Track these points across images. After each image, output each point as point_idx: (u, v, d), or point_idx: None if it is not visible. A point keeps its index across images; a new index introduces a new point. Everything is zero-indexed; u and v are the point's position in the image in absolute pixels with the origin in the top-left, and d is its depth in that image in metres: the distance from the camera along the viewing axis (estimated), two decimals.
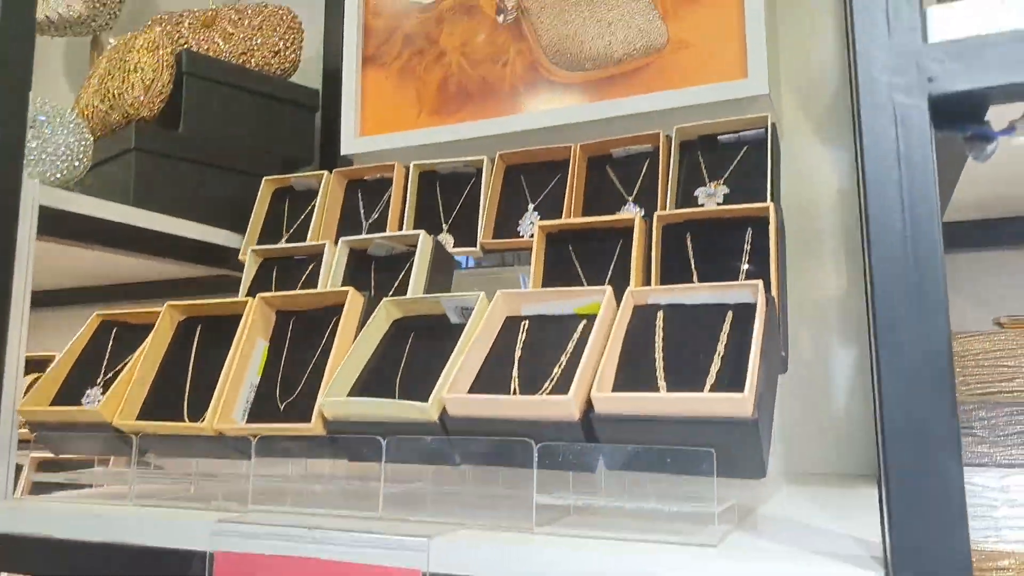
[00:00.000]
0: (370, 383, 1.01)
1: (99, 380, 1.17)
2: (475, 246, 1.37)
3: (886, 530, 0.66)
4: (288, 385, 1.07)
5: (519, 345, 0.99)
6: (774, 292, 0.97)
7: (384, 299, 1.08)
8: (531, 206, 1.40)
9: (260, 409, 1.06)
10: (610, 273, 1.13)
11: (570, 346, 0.95)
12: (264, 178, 1.59)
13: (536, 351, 0.98)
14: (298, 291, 1.14)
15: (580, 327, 0.98)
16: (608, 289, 0.96)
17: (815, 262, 1.47)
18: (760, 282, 0.90)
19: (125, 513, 0.99)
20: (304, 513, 0.95)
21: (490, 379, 0.94)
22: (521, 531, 0.83)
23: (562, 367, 0.93)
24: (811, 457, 1.41)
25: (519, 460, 0.86)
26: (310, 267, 1.34)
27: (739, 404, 0.75)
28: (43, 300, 2.14)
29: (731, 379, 0.81)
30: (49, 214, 1.27)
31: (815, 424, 1.41)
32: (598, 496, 0.85)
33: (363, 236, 1.30)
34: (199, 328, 1.18)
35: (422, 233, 1.24)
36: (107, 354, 1.20)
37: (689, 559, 0.72)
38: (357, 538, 0.85)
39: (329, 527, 0.87)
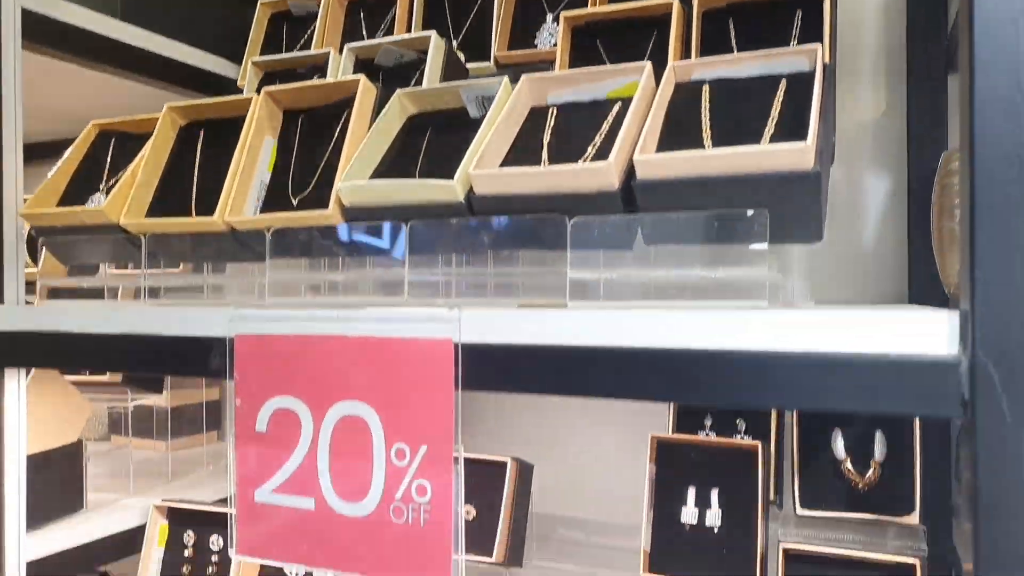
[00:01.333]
0: (388, 173, 0.94)
1: (101, 187, 1.11)
2: (488, 60, 1.27)
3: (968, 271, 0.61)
4: (300, 181, 1.01)
5: (547, 131, 0.92)
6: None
7: (397, 91, 1.00)
8: (549, 16, 1.29)
9: (272, 205, 1.00)
10: None
11: (604, 127, 0.88)
12: (260, 1, 1.47)
13: (566, 137, 0.90)
14: (304, 83, 1.05)
15: (615, 110, 0.90)
16: (647, 65, 0.88)
17: (853, 81, 1.37)
18: (817, 45, 0.81)
19: (140, 308, 0.95)
20: (324, 303, 0.91)
21: (517, 161, 0.87)
22: (554, 306, 0.78)
23: (596, 147, 0.86)
24: (840, 287, 1.37)
25: (552, 241, 0.81)
26: (314, 78, 1.25)
27: (800, 155, 0.68)
28: (39, 152, 2.06)
29: (787, 138, 0.74)
30: (33, 19, 1.18)
31: (845, 253, 1.36)
32: (637, 268, 0.80)
33: (370, 42, 1.20)
34: (202, 132, 1.11)
35: (433, 35, 1.14)
36: (107, 163, 1.14)
37: (745, 318, 0.67)
38: (384, 314, 0.81)
39: (353, 307, 0.83)
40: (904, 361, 0.62)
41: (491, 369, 0.77)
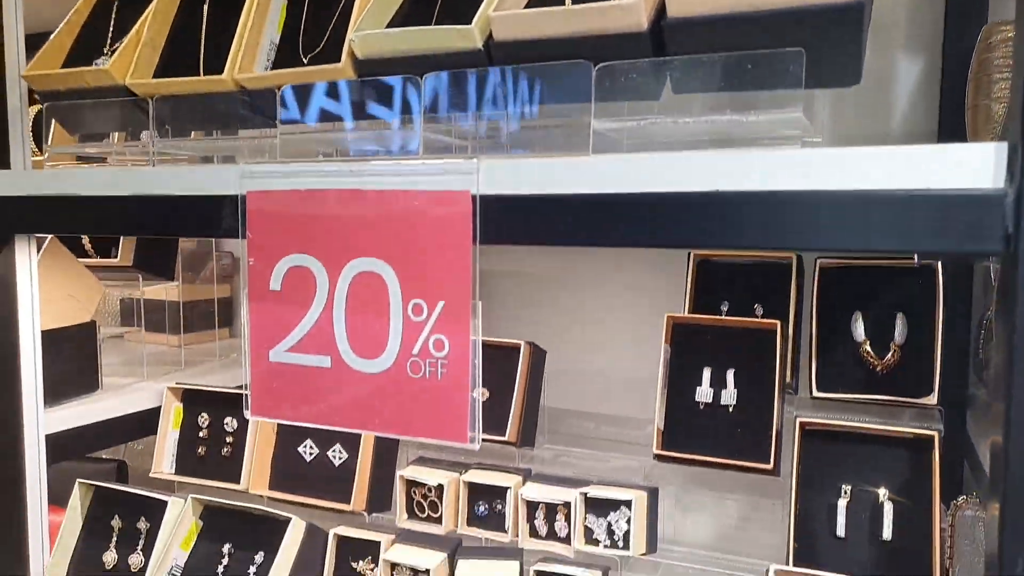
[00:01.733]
0: (403, 24, 0.90)
1: (106, 49, 1.07)
2: None
3: None
4: (311, 40, 0.97)
5: None
6: None
7: None
8: None
9: (283, 64, 0.96)
10: None
11: None
12: None
13: None
14: None
15: None
16: None
17: None
18: None
19: (149, 170, 0.93)
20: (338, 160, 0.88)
21: (538, 5, 0.83)
22: (576, 155, 0.75)
23: None
24: None
25: (574, 90, 0.78)
26: None
27: None
28: None
29: None
30: None
31: (876, 138, 1.31)
32: (664, 117, 0.77)
33: None
34: None
35: None
36: (111, 25, 1.09)
37: (778, 157, 0.64)
38: (400, 167, 0.78)
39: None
40: (947, 195, 0.59)
41: (511, 221, 0.75)
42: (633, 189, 0.69)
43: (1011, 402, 0.58)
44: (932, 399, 1.04)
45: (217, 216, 0.86)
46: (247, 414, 0.90)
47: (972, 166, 0.59)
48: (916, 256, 1.08)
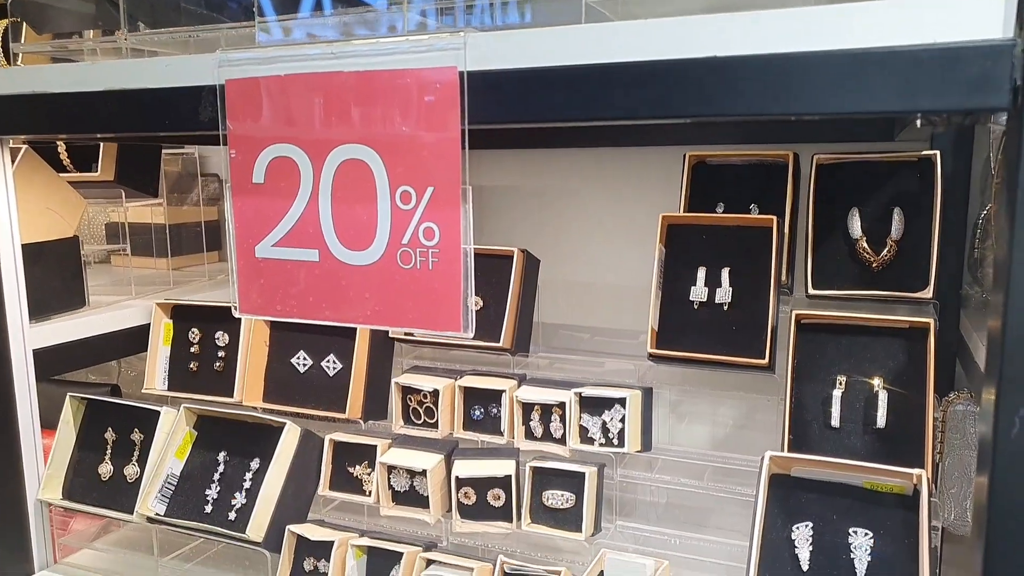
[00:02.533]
0: None
1: None
2: None
3: None
4: None
5: None
6: None
7: None
8: None
9: None
10: None
11: None
12: None
13: None
14: None
15: None
16: None
17: None
18: None
19: (122, 63, 0.89)
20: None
21: None
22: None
23: None
24: None
25: None
26: None
27: None
28: None
29: None
30: None
31: None
32: None
33: None
34: None
35: None
36: None
37: (773, 17, 0.61)
38: (383, 46, 0.75)
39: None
40: (951, 48, 0.57)
41: (502, 97, 0.72)
42: (628, 58, 0.66)
43: (1013, 248, 0.56)
44: (928, 293, 1.03)
45: (195, 108, 0.83)
46: (235, 312, 0.89)
47: (978, 15, 0.56)
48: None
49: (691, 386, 1.21)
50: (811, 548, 0.82)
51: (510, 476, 1.04)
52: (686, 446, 1.28)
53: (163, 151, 1.54)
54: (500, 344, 1.20)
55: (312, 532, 1.04)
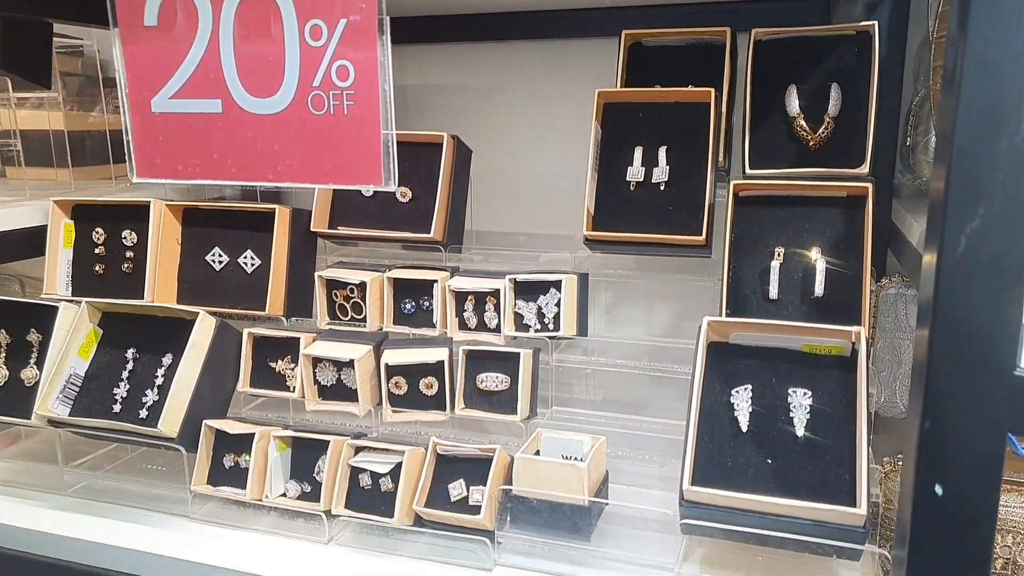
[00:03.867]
0: None
1: None
2: None
3: None
4: None
5: None
6: None
7: None
8: None
9: None
10: None
11: None
12: None
13: None
14: None
15: None
16: None
17: None
18: None
19: None
20: None
21: None
22: None
23: None
24: None
25: None
26: None
27: None
28: None
29: None
30: None
31: None
32: None
33: None
34: None
35: None
36: None
37: None
38: None
39: None
40: None
41: None
42: None
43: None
44: (864, 168, 1.01)
45: None
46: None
47: None
48: None
49: (629, 272, 1.18)
50: (750, 410, 0.80)
51: (443, 362, 1.00)
52: (624, 333, 1.25)
53: (55, 42, 1.40)
54: (431, 236, 1.14)
55: (231, 426, 0.98)
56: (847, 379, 0.81)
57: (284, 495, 0.96)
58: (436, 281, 1.09)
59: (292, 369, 1.07)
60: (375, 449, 0.92)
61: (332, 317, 1.16)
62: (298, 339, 1.05)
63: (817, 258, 0.94)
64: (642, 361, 1.05)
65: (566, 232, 1.32)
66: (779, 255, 0.96)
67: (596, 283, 1.28)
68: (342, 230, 1.20)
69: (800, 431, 0.78)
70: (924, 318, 0.61)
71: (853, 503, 0.71)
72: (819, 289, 0.92)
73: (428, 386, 1.01)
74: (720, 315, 0.95)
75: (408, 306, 1.13)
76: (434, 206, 1.15)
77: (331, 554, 0.90)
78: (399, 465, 0.89)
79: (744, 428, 0.79)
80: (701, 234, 1.01)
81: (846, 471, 0.75)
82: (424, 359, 1.00)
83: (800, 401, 0.79)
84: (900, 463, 1.07)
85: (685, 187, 1.05)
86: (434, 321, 1.10)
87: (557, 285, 1.05)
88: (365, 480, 0.92)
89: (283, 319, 1.15)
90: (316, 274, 1.14)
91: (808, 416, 0.78)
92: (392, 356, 1.01)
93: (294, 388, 1.06)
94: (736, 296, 0.97)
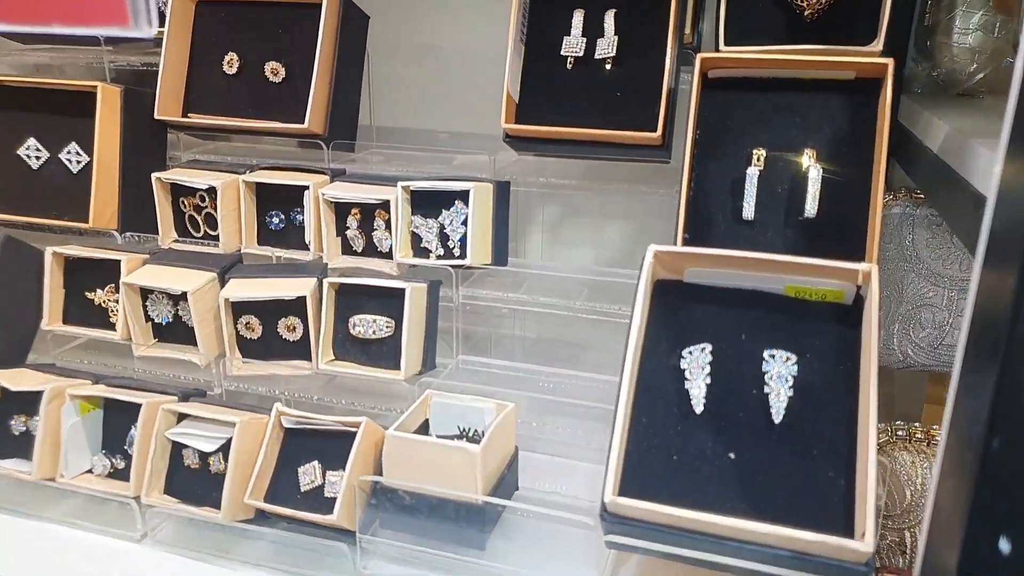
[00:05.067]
0: None
1: None
2: None
3: None
4: None
5: None
6: None
7: None
8: None
9: None
10: None
11: None
12: None
13: None
14: None
15: None
16: None
17: None
18: None
19: None
20: None
21: None
22: None
23: None
24: None
25: None
26: None
27: None
28: None
29: None
30: None
31: None
32: None
33: None
34: None
35: None
36: None
37: None
38: None
39: None
40: None
41: None
42: None
43: None
44: (877, 45, 0.75)
45: None
46: None
47: None
48: None
49: (570, 181, 0.92)
50: (708, 381, 0.56)
51: (305, 298, 0.75)
52: (566, 261, 1.00)
53: None
54: (304, 127, 0.87)
55: (17, 380, 0.73)
56: (847, 338, 0.57)
57: (91, 471, 0.72)
58: (307, 188, 0.83)
59: (115, 301, 0.81)
60: (201, 418, 0.68)
61: (181, 234, 0.89)
62: (118, 261, 0.79)
63: (809, 165, 0.69)
64: (579, 299, 0.81)
65: (493, 131, 1.05)
66: (758, 159, 0.70)
67: (531, 196, 1.02)
68: (194, 118, 0.92)
69: (778, 414, 0.54)
70: (996, 266, 0.36)
71: (850, 526, 0.49)
72: (811, 207, 0.67)
73: (290, 328, 0.77)
74: (675, 241, 0.71)
75: (275, 220, 0.86)
76: (310, 88, 0.87)
77: (144, 555, 0.67)
78: (230, 441, 0.65)
79: (699, 407, 0.55)
80: (656, 129, 0.75)
81: (841, 474, 0.52)
82: (278, 293, 0.75)
83: (779, 369, 0.55)
84: (898, 432, 0.86)
85: (638, 66, 0.78)
86: (308, 241, 0.84)
87: (464, 197, 0.79)
88: (191, 457, 0.68)
89: (116, 235, 0.88)
90: (153, 176, 0.86)
91: (791, 392, 0.54)
92: (236, 289, 0.75)
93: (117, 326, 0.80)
94: (699, 215, 0.71)
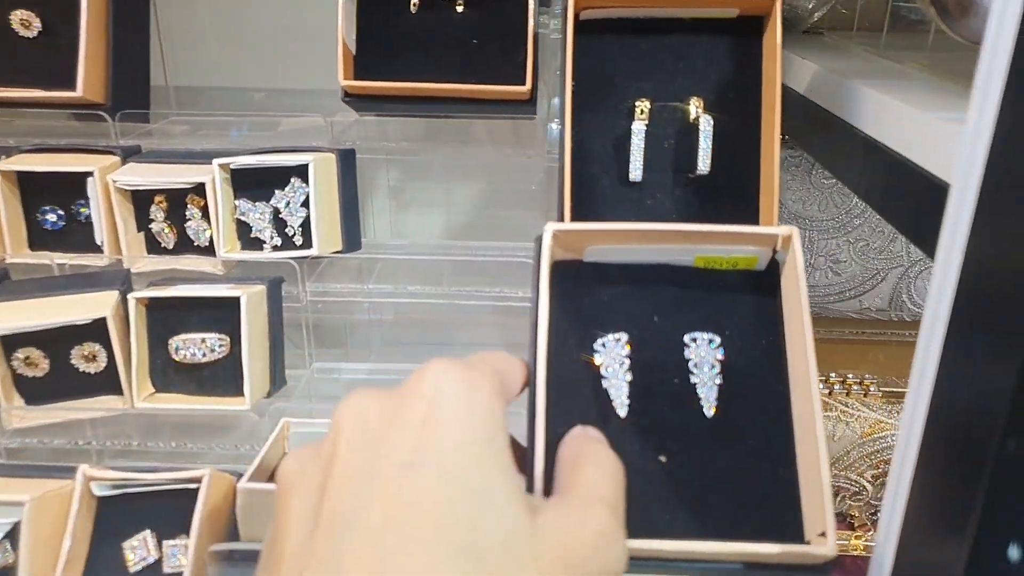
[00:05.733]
0: None
1: None
2: None
3: None
4: None
5: None
6: None
7: None
8: None
9: None
10: None
11: None
12: None
13: None
14: None
15: None
16: None
17: None
18: None
19: None
20: None
21: None
22: None
23: None
24: None
25: None
26: None
27: None
28: None
29: None
30: None
31: None
32: None
33: None
34: None
35: None
36: None
37: None
38: None
39: None
40: None
41: None
42: None
43: None
44: None
45: None
46: None
47: None
48: None
49: (416, 144, 0.80)
50: (629, 379, 0.48)
51: (105, 320, 0.58)
52: (412, 235, 0.88)
53: None
54: (77, 94, 0.67)
55: None
56: (766, 309, 0.51)
57: None
58: (92, 173, 0.65)
59: None
60: None
61: None
62: None
63: (698, 115, 0.62)
64: (443, 282, 0.70)
65: (323, 85, 0.90)
66: (642, 112, 0.62)
67: (376, 163, 0.88)
68: None
69: (709, 406, 0.47)
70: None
71: (799, 522, 0.43)
72: (703, 164, 0.60)
73: (88, 358, 0.60)
74: (560, 209, 0.61)
75: (51, 217, 0.67)
76: (78, 43, 0.68)
77: None
78: (19, 525, 0.49)
79: (622, 411, 0.47)
80: (524, 82, 0.65)
81: (782, 464, 0.46)
82: (67, 318, 0.57)
83: (704, 354, 0.48)
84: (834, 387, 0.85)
85: (494, 7, 0.67)
86: (98, 240, 0.66)
87: (301, 172, 0.65)
88: None
89: None
90: None
91: (719, 379, 0.48)
92: (5, 317, 0.57)
93: None
94: (581, 178, 0.63)
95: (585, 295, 0.52)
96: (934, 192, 0.47)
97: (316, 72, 0.88)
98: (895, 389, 0.93)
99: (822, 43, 0.87)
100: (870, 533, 0.87)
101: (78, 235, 0.68)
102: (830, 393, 0.87)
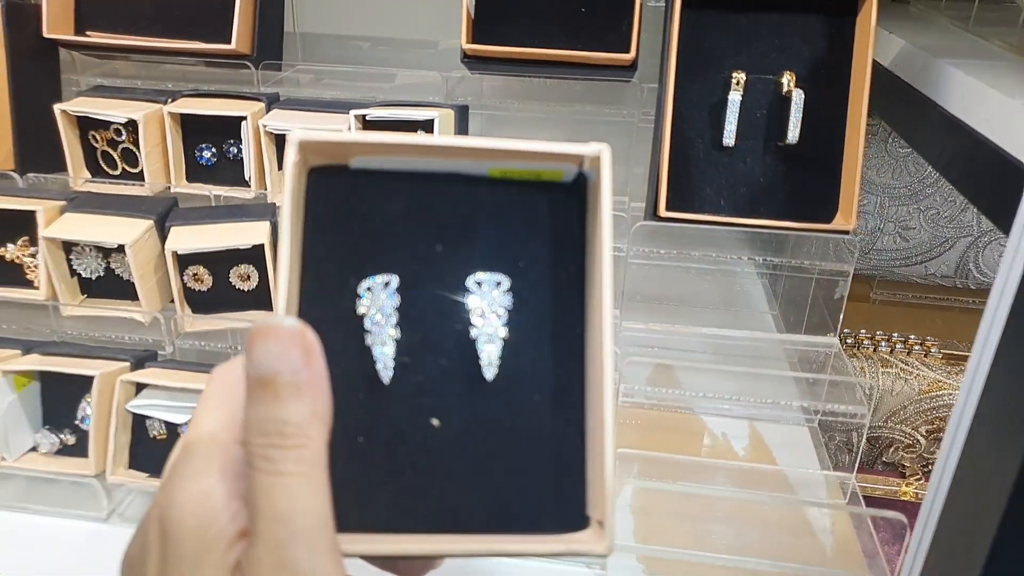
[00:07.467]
0: None
1: None
2: None
3: None
4: None
5: None
6: None
7: None
8: None
9: None
10: None
11: None
12: None
13: None
14: None
15: None
16: None
17: None
18: None
19: None
20: None
21: None
22: None
23: None
24: None
25: None
26: None
27: None
28: None
29: None
30: None
31: None
32: None
33: None
34: None
35: None
36: None
37: None
38: None
39: None
40: None
41: None
42: None
43: None
44: None
45: None
46: None
47: None
48: None
49: (515, 103, 0.87)
50: (398, 336, 0.31)
51: (263, 246, 0.68)
52: None
53: None
54: (232, 47, 0.77)
55: None
56: (570, 231, 0.33)
57: (35, 450, 0.65)
58: (245, 118, 0.74)
59: (31, 255, 0.71)
60: (164, 388, 0.62)
61: (94, 173, 0.79)
62: (33, 212, 0.69)
63: (790, 88, 0.67)
64: None
65: (428, 36, 0.97)
66: (738, 84, 0.68)
67: (478, 120, 0.96)
68: (94, 37, 0.80)
69: (491, 367, 0.31)
70: None
71: (581, 507, 0.31)
72: (793, 134, 0.67)
73: (243, 277, 0.70)
74: (656, 170, 0.68)
75: (207, 154, 0.78)
76: (234, 2, 0.77)
77: (112, 534, 0.62)
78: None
79: (386, 376, 0.31)
80: (629, 50, 0.72)
81: (569, 428, 0.32)
82: (233, 242, 0.68)
83: (488, 303, 0.32)
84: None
85: None
86: (247, 177, 0.76)
87: (427, 126, 0.73)
88: (157, 428, 0.63)
89: (16, 177, 0.77)
90: (57, 109, 0.75)
91: (508, 331, 0.32)
92: (182, 239, 0.68)
93: (38, 284, 0.71)
94: (678, 141, 0.69)
95: (349, 216, 0.34)
96: (1013, 172, 0.52)
97: (422, 27, 0.96)
98: (955, 352, 0.98)
99: (909, 13, 0.90)
100: (920, 482, 0.94)
101: (227, 171, 0.78)
102: (891, 351, 0.92)
